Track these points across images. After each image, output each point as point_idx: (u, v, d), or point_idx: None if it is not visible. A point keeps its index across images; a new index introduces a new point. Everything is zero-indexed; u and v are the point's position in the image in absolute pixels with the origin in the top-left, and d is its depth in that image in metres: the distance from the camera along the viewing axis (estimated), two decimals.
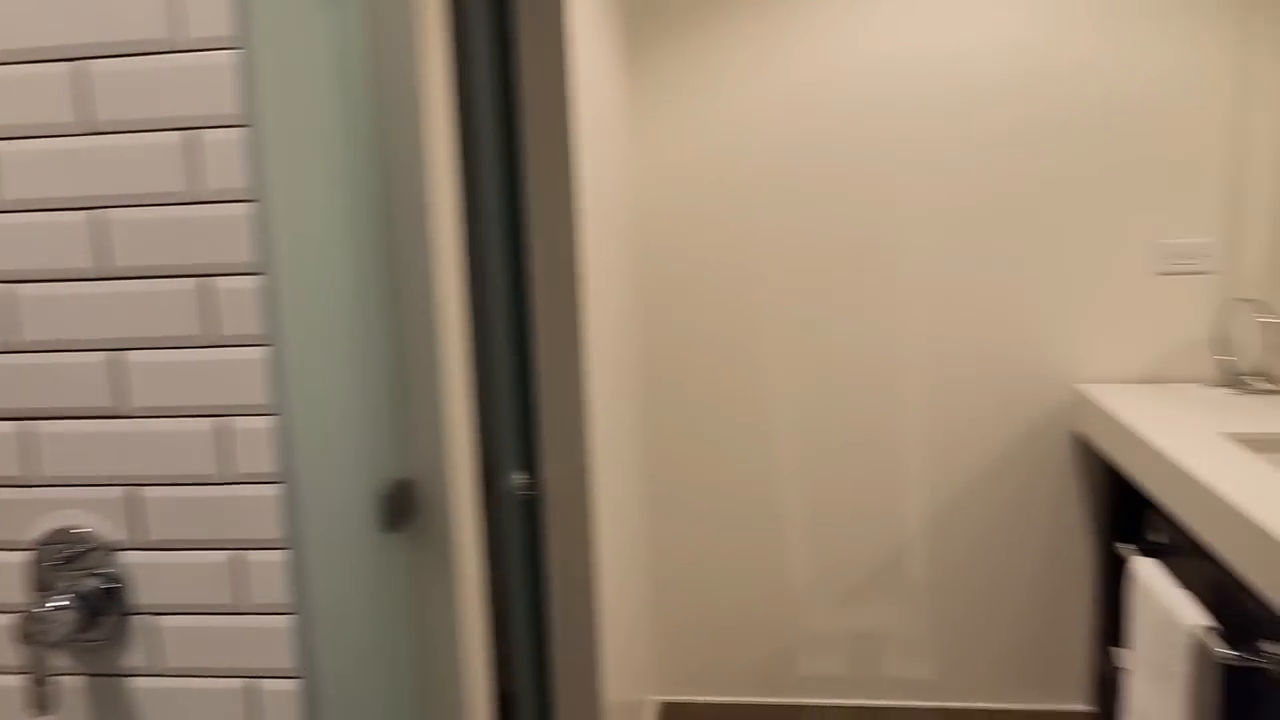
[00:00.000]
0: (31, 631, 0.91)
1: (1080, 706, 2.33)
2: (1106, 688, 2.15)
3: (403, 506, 1.05)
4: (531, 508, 1.75)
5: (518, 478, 1.69)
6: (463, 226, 1.71)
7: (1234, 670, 1.47)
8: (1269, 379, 2.13)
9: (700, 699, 2.46)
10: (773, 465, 2.35)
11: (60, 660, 0.98)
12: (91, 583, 0.95)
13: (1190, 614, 1.55)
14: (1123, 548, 1.93)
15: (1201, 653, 1.50)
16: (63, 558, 0.96)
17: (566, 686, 1.81)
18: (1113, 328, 2.21)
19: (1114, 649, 2.08)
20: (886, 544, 2.34)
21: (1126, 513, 2.06)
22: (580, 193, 1.67)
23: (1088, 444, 2.23)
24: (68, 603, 0.92)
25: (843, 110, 2.20)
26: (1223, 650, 1.45)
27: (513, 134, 1.65)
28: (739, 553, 2.39)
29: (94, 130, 0.90)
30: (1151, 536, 1.88)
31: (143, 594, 0.96)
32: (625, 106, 2.23)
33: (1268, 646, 1.37)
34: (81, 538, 0.95)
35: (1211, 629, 1.51)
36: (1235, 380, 2.15)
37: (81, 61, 0.89)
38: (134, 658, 0.97)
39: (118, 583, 0.95)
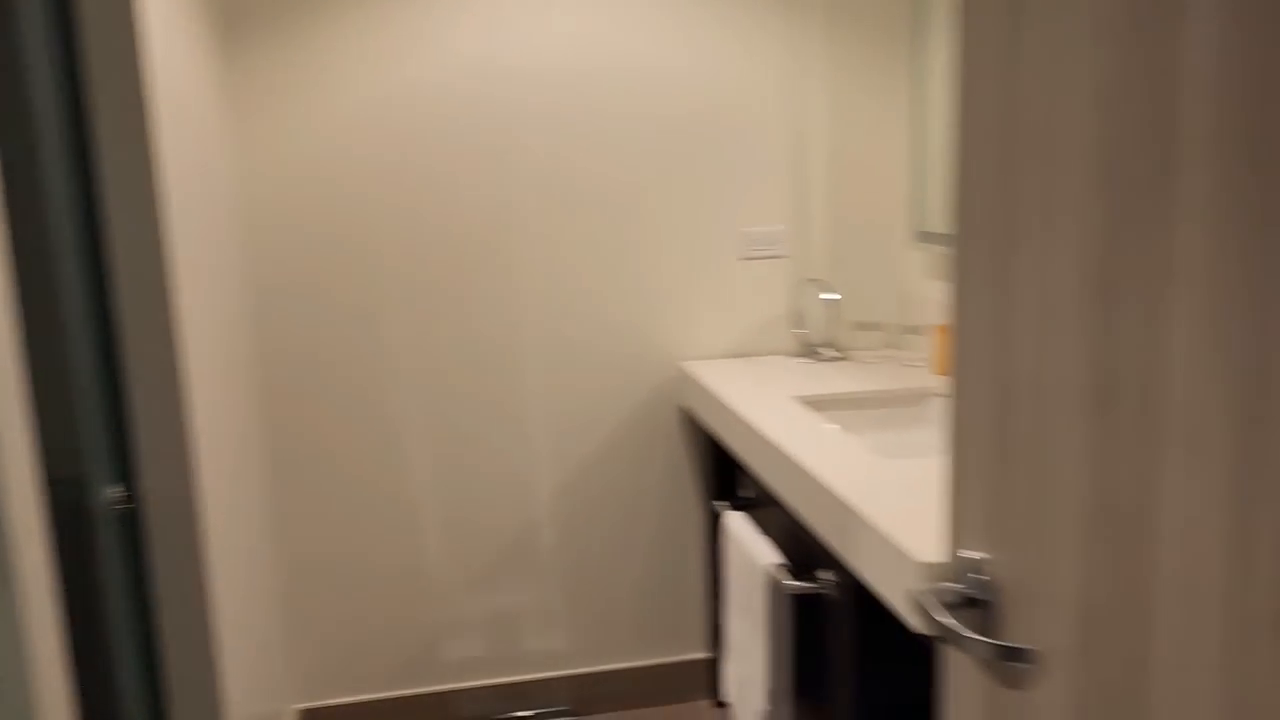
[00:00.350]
0: None
1: (699, 654, 2.56)
2: (718, 633, 2.38)
3: None
4: (131, 522, 1.65)
5: (112, 491, 1.59)
6: (10, 222, 1.57)
7: (801, 598, 1.70)
8: (836, 348, 2.46)
9: (343, 700, 2.43)
10: (400, 459, 2.36)
11: None
12: None
13: (766, 555, 1.77)
14: (718, 504, 2.16)
15: (774, 586, 1.71)
16: None
17: (183, 712, 1.73)
18: (709, 309, 2.44)
19: (721, 598, 2.30)
20: (517, 525, 2.44)
21: (725, 474, 2.29)
22: (164, 191, 1.60)
23: (692, 415, 2.45)
24: None
25: (451, 108, 2.25)
26: (789, 582, 1.67)
27: (83, 131, 1.54)
28: (373, 549, 2.38)
29: None
30: (741, 493, 2.11)
31: None
32: (222, 104, 2.14)
33: (823, 574, 1.60)
34: None
35: (782, 565, 1.73)
36: (809, 350, 2.46)
37: None
38: None
39: None
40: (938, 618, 0.85)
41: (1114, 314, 0.68)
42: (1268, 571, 0.57)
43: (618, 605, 2.52)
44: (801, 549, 1.70)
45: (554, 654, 2.51)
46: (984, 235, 0.84)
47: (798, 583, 1.66)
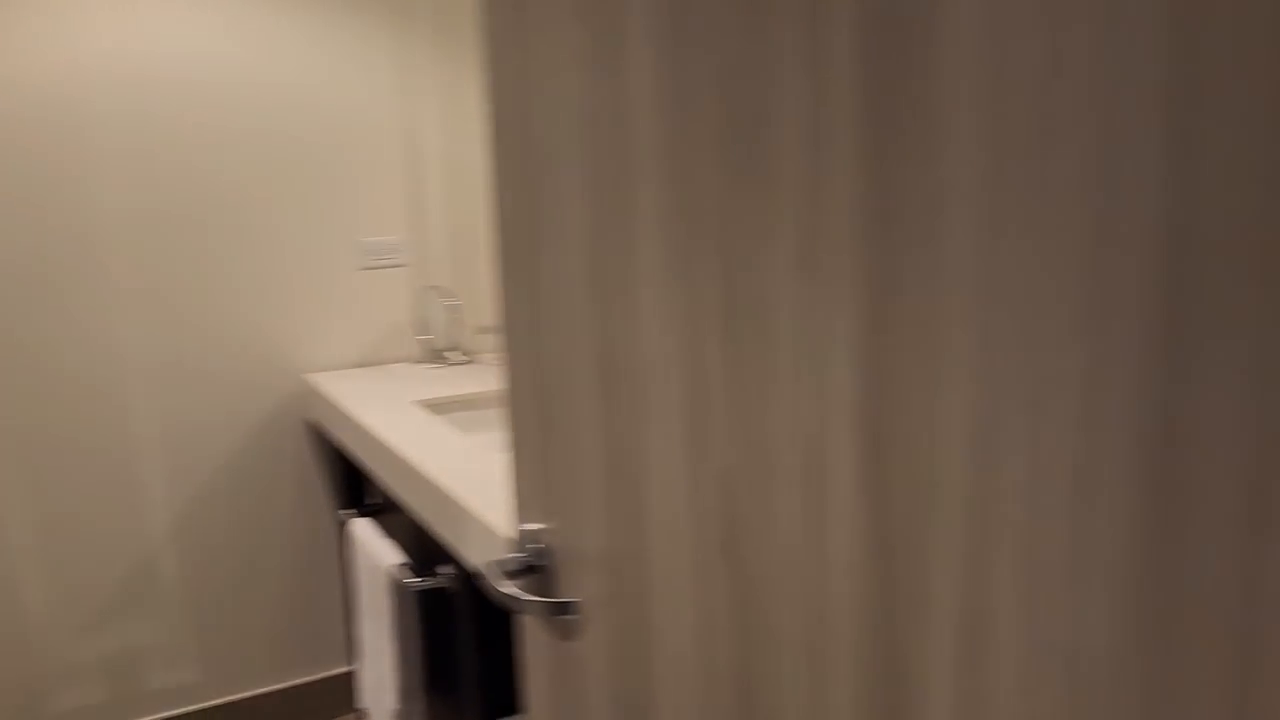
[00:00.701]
0: None
1: (341, 669, 2.54)
2: (357, 643, 2.38)
3: None
4: None
5: None
6: None
7: (424, 594, 1.76)
8: (463, 351, 2.53)
9: None
10: None
11: None
12: None
13: (389, 556, 1.81)
14: (344, 514, 2.16)
15: (397, 585, 1.76)
16: None
17: None
18: (331, 320, 2.43)
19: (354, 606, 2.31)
20: (132, 558, 2.29)
21: (354, 484, 2.30)
22: None
23: (318, 428, 2.43)
24: None
25: (35, 117, 2.07)
26: (410, 579, 1.72)
27: None
28: None
29: None
30: (368, 500, 2.13)
31: None
32: None
33: (441, 569, 1.67)
34: None
35: (404, 565, 1.77)
36: (435, 356, 2.52)
37: None
38: None
39: None
40: (498, 587, 0.94)
41: (607, 305, 0.80)
42: (714, 508, 0.70)
43: (253, 630, 2.44)
44: (424, 548, 1.76)
45: (185, 688, 2.39)
46: (518, 236, 0.94)
47: (418, 579, 1.71)
